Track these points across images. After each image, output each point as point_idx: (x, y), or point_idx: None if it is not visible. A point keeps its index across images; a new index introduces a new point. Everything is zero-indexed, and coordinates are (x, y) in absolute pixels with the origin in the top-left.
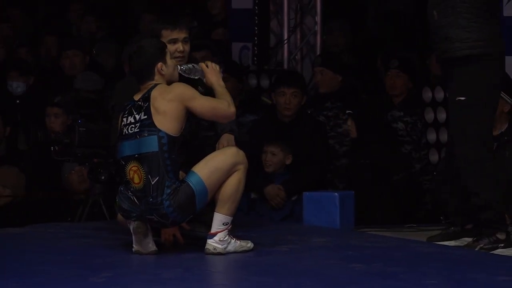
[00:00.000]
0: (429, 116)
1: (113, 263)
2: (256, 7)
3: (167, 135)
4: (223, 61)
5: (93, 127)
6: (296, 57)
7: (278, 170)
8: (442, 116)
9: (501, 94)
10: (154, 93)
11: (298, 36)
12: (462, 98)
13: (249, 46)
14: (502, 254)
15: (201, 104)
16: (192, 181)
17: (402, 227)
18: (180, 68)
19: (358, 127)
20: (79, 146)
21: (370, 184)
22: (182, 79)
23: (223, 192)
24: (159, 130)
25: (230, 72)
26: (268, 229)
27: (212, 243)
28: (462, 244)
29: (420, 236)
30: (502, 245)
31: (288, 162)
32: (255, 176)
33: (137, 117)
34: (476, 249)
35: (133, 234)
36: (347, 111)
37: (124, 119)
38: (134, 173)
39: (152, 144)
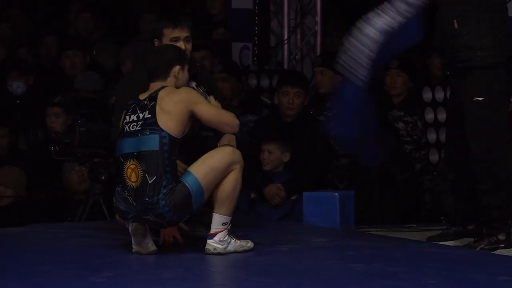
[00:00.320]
0: (429, 116)
1: (113, 263)
2: (256, 7)
3: (169, 135)
4: (223, 61)
5: (93, 127)
6: (296, 57)
7: (276, 168)
8: (442, 116)
9: None
10: (161, 93)
11: (298, 36)
12: (480, 99)
13: (249, 46)
14: (502, 254)
15: (207, 110)
16: (188, 181)
17: (402, 227)
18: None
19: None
20: (79, 146)
21: (373, 184)
22: None
23: (220, 192)
24: (162, 130)
25: (230, 72)
26: (268, 229)
27: (212, 243)
28: (463, 244)
29: (420, 236)
30: (503, 245)
31: (286, 159)
32: (255, 176)
33: (141, 115)
34: (477, 249)
35: (132, 235)
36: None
37: (127, 117)
38: (132, 172)
39: (153, 142)
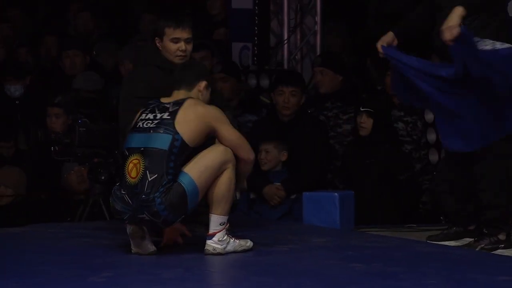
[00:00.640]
0: (429, 116)
1: (113, 263)
2: (256, 7)
3: (182, 140)
4: (222, 61)
5: (93, 127)
6: (296, 57)
7: (274, 168)
8: None
9: None
10: (189, 101)
11: (298, 36)
12: None
13: (249, 46)
14: (502, 254)
15: (230, 131)
16: (183, 181)
17: (402, 227)
18: None
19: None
20: (79, 146)
21: (373, 184)
22: None
23: (215, 192)
24: (177, 132)
25: (229, 72)
26: (267, 229)
27: (211, 244)
28: (462, 244)
29: (420, 236)
30: (503, 245)
31: (283, 158)
32: (254, 176)
33: (158, 115)
34: (477, 249)
35: (130, 239)
36: (363, 108)
37: (143, 115)
38: (134, 167)
39: (163, 141)
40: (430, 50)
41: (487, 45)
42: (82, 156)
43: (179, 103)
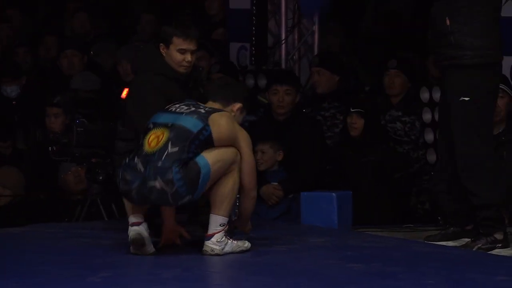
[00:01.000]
0: (427, 116)
1: (112, 263)
2: (254, 7)
3: (211, 134)
4: (220, 61)
5: (91, 127)
6: (294, 57)
7: (271, 168)
8: None
9: (501, 86)
10: (227, 114)
11: (296, 36)
12: (467, 99)
13: (247, 46)
14: (499, 254)
15: (248, 154)
16: (200, 161)
17: (400, 227)
18: None
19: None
20: (77, 146)
21: (369, 184)
22: None
23: (218, 193)
24: (208, 125)
25: (227, 72)
26: (265, 228)
27: (210, 245)
28: (460, 245)
29: (418, 236)
30: (500, 245)
31: (279, 158)
32: None
33: (192, 108)
34: (474, 249)
35: (130, 244)
36: (354, 109)
37: (177, 104)
38: (155, 138)
39: (194, 124)
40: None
41: None
42: (80, 156)
43: (216, 110)
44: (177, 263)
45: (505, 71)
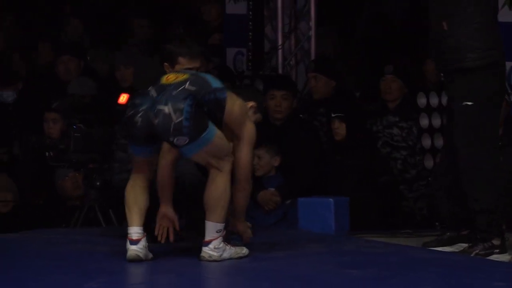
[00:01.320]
0: (424, 121)
1: (109, 269)
2: (251, 13)
3: (225, 101)
4: (218, 66)
5: (89, 132)
6: (291, 62)
7: (268, 173)
8: (436, 121)
9: None
10: (241, 99)
11: (293, 42)
12: (470, 103)
13: (243, 52)
14: (497, 259)
15: (247, 146)
16: (209, 123)
17: (398, 232)
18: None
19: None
20: (74, 152)
21: (353, 189)
22: None
23: (210, 197)
24: (225, 93)
25: (224, 77)
26: (262, 234)
27: (208, 251)
28: (458, 250)
29: (416, 242)
30: (497, 250)
31: (276, 163)
32: None
33: None
34: (472, 255)
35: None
36: (334, 114)
37: None
38: (175, 76)
39: (215, 82)
40: (425, 56)
41: None
42: (77, 162)
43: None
44: (174, 269)
45: None
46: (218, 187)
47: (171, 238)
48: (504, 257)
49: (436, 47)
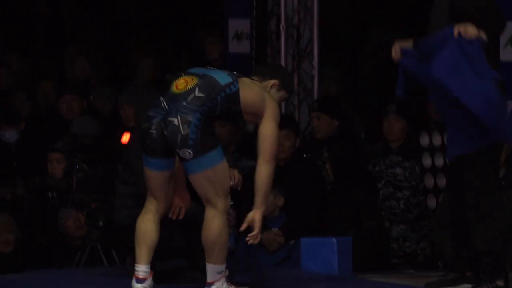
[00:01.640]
0: (427, 161)
1: None
2: (253, 52)
3: (238, 92)
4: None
5: (91, 172)
6: (294, 102)
7: (271, 213)
8: (439, 161)
9: None
10: (257, 83)
11: (295, 81)
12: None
13: None
14: None
15: (271, 122)
16: (218, 149)
17: (401, 273)
18: None
19: (335, 170)
20: (77, 192)
21: (341, 231)
22: None
23: (206, 241)
24: (237, 82)
25: (226, 117)
26: (265, 275)
27: None
28: None
29: (419, 282)
30: None
31: (280, 204)
32: None
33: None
34: None
35: None
36: (325, 155)
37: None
38: (184, 82)
39: (223, 78)
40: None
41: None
42: (80, 201)
43: (249, 78)
44: None
45: None
46: (214, 229)
47: (181, 216)
48: None
49: (436, 92)
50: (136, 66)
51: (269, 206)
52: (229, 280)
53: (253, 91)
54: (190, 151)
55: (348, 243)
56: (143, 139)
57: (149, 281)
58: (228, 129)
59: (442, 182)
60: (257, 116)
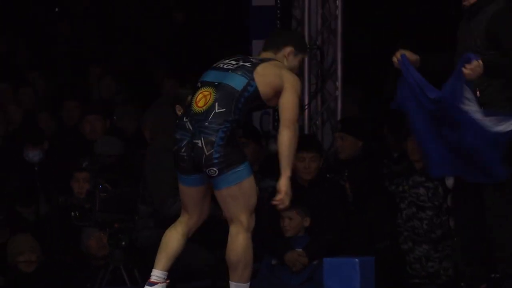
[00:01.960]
0: (450, 181)
1: None
2: None
3: (256, 88)
4: (244, 126)
5: (114, 192)
6: (317, 122)
7: (298, 233)
8: None
9: None
10: (275, 62)
11: (319, 101)
12: None
13: (269, 111)
14: None
15: (292, 99)
16: (246, 163)
17: None
18: None
19: (354, 190)
20: (99, 211)
21: (356, 251)
22: None
23: (230, 258)
24: (253, 79)
25: (250, 137)
26: None
27: None
28: None
29: None
30: None
31: (306, 224)
32: (276, 242)
33: (240, 62)
34: None
35: None
36: (346, 174)
37: (226, 60)
38: (203, 97)
39: (239, 82)
40: None
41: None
42: (103, 221)
43: (264, 60)
44: None
45: None
46: (238, 246)
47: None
48: None
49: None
50: (160, 86)
51: (296, 227)
52: None
53: (270, 78)
54: (215, 169)
55: (370, 263)
56: (176, 161)
57: (159, 286)
58: (251, 149)
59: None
60: (279, 95)
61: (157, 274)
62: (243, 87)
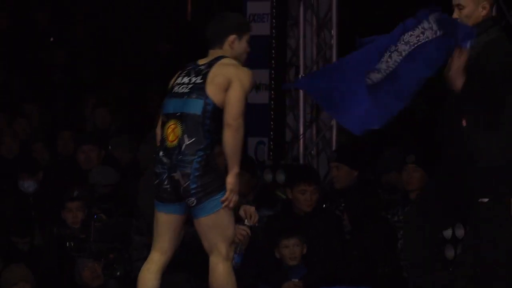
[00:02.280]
0: (460, 231)
1: None
2: (272, 102)
3: (214, 104)
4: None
5: (109, 222)
6: (312, 152)
7: (292, 262)
8: None
9: None
10: (223, 61)
11: (314, 131)
12: (485, 200)
13: (265, 141)
14: None
15: (237, 92)
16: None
17: None
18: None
19: (352, 219)
20: (94, 241)
21: (355, 277)
22: None
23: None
24: (207, 97)
25: (245, 167)
26: None
27: None
28: None
29: None
30: None
31: (304, 252)
32: (271, 272)
33: (193, 79)
34: None
35: None
36: (343, 204)
37: (179, 79)
38: (171, 132)
39: (196, 106)
40: None
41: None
42: (97, 251)
43: (211, 63)
44: None
45: None
46: (220, 276)
47: None
48: None
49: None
50: (155, 116)
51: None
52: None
53: (218, 80)
54: (193, 199)
55: None
56: (158, 193)
57: None
58: (246, 179)
59: (460, 231)
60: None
61: None
62: (203, 109)
